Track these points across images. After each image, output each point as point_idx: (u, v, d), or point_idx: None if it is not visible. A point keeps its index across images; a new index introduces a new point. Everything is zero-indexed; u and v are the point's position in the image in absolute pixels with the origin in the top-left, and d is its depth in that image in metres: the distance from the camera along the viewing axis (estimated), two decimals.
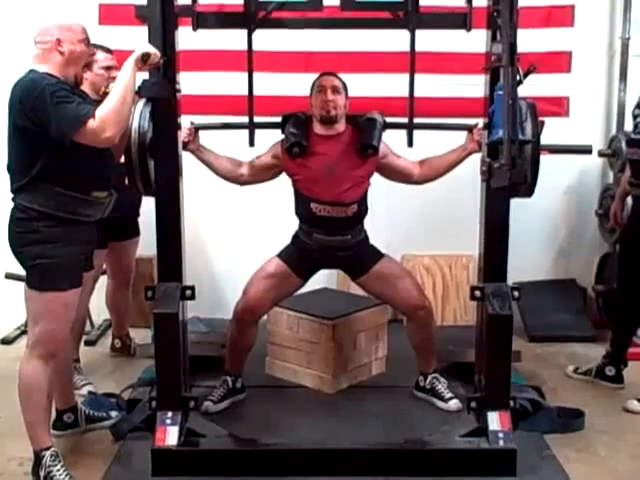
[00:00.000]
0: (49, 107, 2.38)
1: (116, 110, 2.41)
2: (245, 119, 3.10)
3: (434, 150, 3.15)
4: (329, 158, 3.05)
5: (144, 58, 2.49)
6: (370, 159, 3.06)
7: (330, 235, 3.09)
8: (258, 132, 3.11)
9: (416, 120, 3.08)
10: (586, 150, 3.37)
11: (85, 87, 3.26)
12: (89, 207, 2.60)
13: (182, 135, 2.93)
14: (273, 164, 3.13)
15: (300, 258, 3.16)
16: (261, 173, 3.16)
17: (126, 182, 2.80)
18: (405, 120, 3.08)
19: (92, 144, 2.44)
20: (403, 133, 3.08)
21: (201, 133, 3.11)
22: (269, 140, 3.16)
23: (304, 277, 3.19)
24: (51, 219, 2.51)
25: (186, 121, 3.01)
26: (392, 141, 3.15)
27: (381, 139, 3.08)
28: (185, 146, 2.99)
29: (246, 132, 3.10)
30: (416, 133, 3.07)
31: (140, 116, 2.69)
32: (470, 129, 3.04)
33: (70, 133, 2.39)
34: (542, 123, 2.71)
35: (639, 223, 3.32)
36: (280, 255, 3.19)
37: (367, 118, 3.11)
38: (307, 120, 3.11)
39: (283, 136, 3.12)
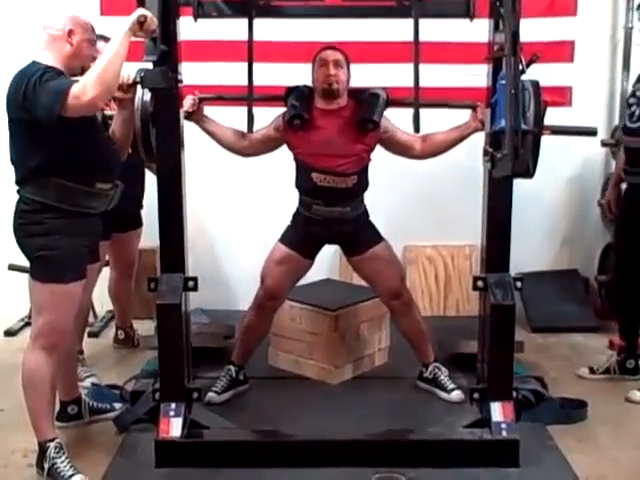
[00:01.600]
0: (37, 90, 2.35)
1: (99, 73, 2.33)
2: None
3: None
4: (329, 132, 3.04)
5: (140, 21, 2.40)
6: (371, 134, 3.05)
7: (330, 206, 3.08)
8: (261, 110, 3.09)
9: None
10: (591, 132, 3.33)
11: None
12: (93, 199, 2.59)
13: (186, 105, 2.91)
14: (275, 136, 3.13)
15: (302, 238, 3.16)
16: (263, 145, 3.16)
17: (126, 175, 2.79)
18: (409, 98, 3.05)
19: (78, 112, 2.36)
20: (409, 119, 3.05)
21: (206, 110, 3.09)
22: (272, 117, 3.15)
23: (311, 257, 3.20)
24: (55, 211, 2.51)
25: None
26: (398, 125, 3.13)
27: (382, 114, 3.06)
28: (189, 116, 2.98)
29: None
30: (421, 118, 3.05)
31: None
32: (474, 107, 3.03)
33: (55, 107, 2.33)
34: (545, 106, 2.68)
35: (633, 210, 3.32)
36: (283, 240, 3.18)
37: (370, 93, 3.09)
38: (310, 93, 3.09)
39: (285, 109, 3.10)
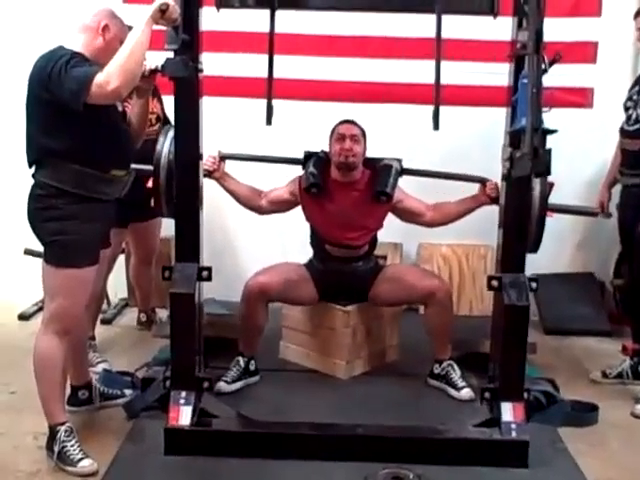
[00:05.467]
0: (62, 75, 2.36)
1: (123, 62, 2.34)
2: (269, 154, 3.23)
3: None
4: (344, 205, 3.18)
5: (162, 9, 2.39)
6: (384, 204, 3.17)
7: (343, 263, 3.24)
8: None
9: (429, 168, 3.22)
10: (591, 213, 3.49)
11: None
12: (108, 185, 2.60)
13: (207, 164, 3.00)
14: (289, 200, 3.27)
15: (319, 274, 3.28)
16: (279, 206, 3.30)
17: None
18: (420, 165, 3.22)
19: (102, 100, 2.38)
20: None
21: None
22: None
23: (319, 293, 3.28)
24: (70, 196, 2.52)
25: (212, 150, 3.06)
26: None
27: (396, 185, 3.18)
28: (210, 175, 3.08)
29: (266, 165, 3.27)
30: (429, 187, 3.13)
31: (171, 141, 2.76)
32: (483, 182, 3.10)
33: (81, 93, 2.34)
34: (551, 185, 2.76)
35: (630, 212, 3.33)
36: (304, 264, 3.32)
37: (384, 164, 3.21)
38: (327, 162, 3.21)
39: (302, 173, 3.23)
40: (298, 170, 3.28)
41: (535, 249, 2.85)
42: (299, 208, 3.29)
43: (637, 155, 3.26)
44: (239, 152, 3.27)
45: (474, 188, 3.17)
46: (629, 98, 3.36)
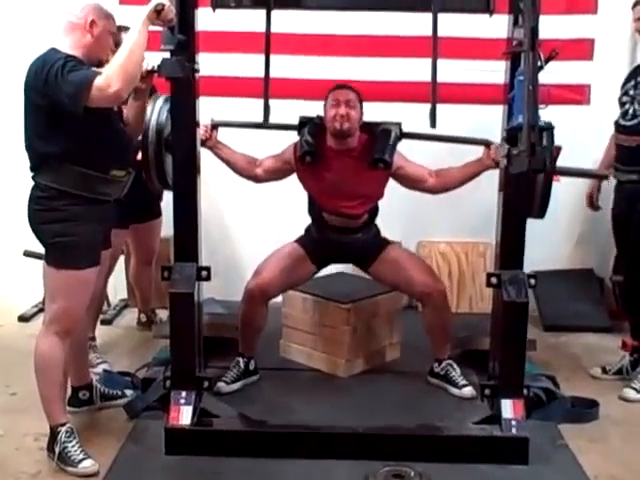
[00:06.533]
0: (59, 80, 2.36)
1: (122, 64, 2.34)
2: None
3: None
4: (341, 173, 3.07)
5: (158, 9, 2.41)
6: (383, 172, 3.07)
7: (341, 234, 3.16)
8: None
9: (433, 132, 3.07)
10: (602, 176, 3.40)
11: None
12: (108, 186, 2.61)
13: (199, 133, 2.94)
14: (284, 168, 3.18)
15: (315, 245, 3.20)
16: (274, 174, 3.22)
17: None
18: (422, 130, 3.09)
19: (103, 104, 2.39)
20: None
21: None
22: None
23: (317, 264, 3.22)
24: (71, 198, 2.52)
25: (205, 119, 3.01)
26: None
27: (395, 151, 3.08)
28: (203, 143, 3.02)
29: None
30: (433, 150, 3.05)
31: (159, 113, 2.72)
32: (488, 145, 3.02)
33: (80, 97, 2.34)
34: (558, 149, 2.71)
35: (624, 208, 3.33)
36: (297, 240, 3.23)
37: (382, 130, 3.11)
38: (322, 129, 3.11)
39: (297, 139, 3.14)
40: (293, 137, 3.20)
41: (541, 214, 2.73)
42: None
43: (633, 151, 3.24)
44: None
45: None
46: (625, 93, 3.33)
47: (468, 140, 3.16)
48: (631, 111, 3.25)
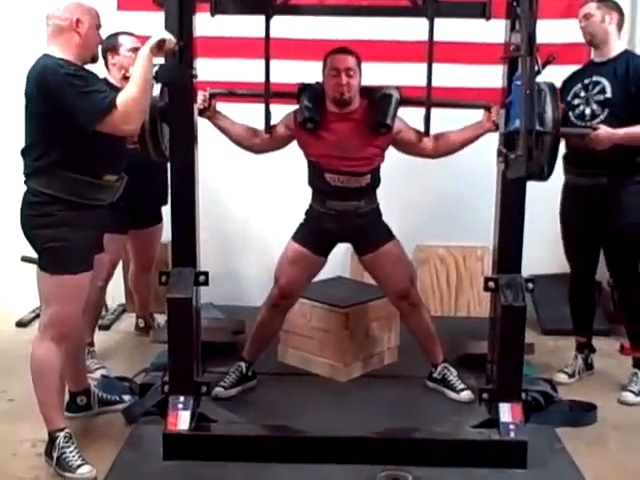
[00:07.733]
0: (70, 97, 2.39)
1: (137, 101, 2.41)
2: (261, 90, 3.08)
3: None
4: (341, 135, 3.05)
5: (160, 44, 2.48)
6: (383, 136, 3.06)
7: (344, 201, 3.10)
8: (274, 107, 3.10)
9: (433, 98, 3.04)
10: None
11: (113, 71, 3.28)
12: (101, 191, 2.61)
13: (197, 102, 2.90)
14: (285, 134, 3.14)
15: (314, 235, 3.17)
16: (274, 142, 3.16)
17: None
18: (422, 97, 3.05)
19: (114, 133, 2.46)
20: (420, 119, 3.06)
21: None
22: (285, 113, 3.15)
23: (323, 254, 3.20)
24: (64, 203, 2.52)
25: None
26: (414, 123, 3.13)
27: (396, 116, 3.06)
28: (201, 113, 2.98)
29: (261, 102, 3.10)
30: (433, 119, 3.05)
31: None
32: (488, 108, 3.01)
33: (97, 120, 2.40)
34: (563, 108, 2.64)
35: (570, 206, 3.35)
36: (295, 238, 3.19)
37: (383, 94, 3.08)
38: (322, 93, 3.09)
39: (297, 107, 3.10)
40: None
41: (545, 176, 2.50)
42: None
43: (600, 152, 3.10)
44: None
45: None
46: (575, 95, 3.23)
47: (468, 105, 3.14)
48: (588, 112, 3.18)
